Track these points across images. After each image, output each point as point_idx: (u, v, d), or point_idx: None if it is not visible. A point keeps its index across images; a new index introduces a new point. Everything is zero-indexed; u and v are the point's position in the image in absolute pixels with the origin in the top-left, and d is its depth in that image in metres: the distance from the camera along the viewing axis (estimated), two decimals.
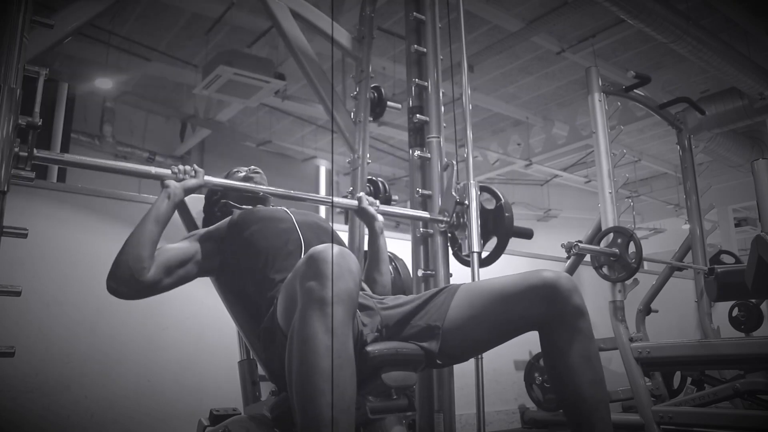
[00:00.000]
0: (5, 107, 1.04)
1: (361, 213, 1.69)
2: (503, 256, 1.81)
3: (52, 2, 2.76)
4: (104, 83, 5.76)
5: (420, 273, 1.92)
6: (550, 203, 9.42)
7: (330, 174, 8.34)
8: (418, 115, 2.01)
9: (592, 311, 1.29)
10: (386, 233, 1.76)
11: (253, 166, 1.76)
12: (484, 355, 1.53)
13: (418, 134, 2.05)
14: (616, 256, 2.46)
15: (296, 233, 1.48)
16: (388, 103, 2.22)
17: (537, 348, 1.33)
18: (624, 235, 2.48)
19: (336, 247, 1.07)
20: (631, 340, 2.49)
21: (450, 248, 1.94)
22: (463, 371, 1.76)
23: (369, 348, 1.19)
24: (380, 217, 1.72)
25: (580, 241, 2.55)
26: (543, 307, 1.25)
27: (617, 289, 2.52)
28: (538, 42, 4.96)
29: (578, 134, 6.47)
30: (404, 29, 2.16)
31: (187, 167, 1.45)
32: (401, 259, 2.03)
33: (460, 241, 1.91)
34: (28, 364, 1.97)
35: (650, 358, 2.40)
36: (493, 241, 1.83)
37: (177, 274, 1.40)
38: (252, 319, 1.45)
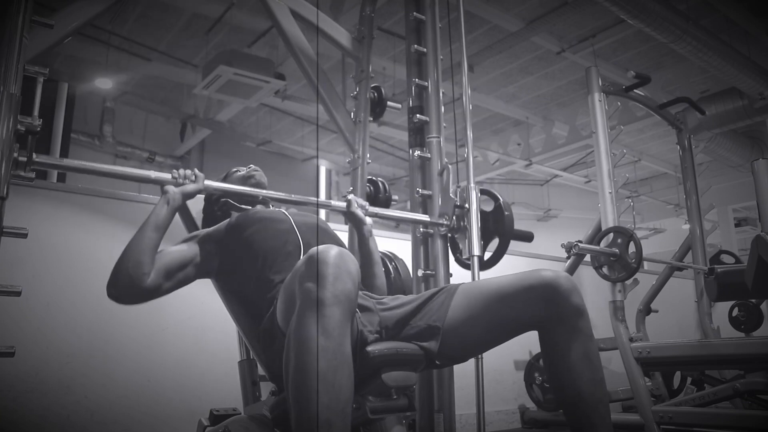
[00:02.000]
0: (4, 110, 1.04)
1: (350, 216, 1.66)
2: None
3: (52, 2, 2.76)
4: (104, 83, 5.76)
5: (420, 273, 1.92)
6: (550, 203, 9.42)
7: (328, 174, 8.35)
8: (418, 115, 2.01)
9: (592, 311, 1.29)
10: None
11: (252, 165, 1.76)
12: (484, 355, 1.52)
13: (418, 134, 2.05)
14: (616, 256, 2.46)
15: (295, 234, 1.48)
16: (388, 103, 2.22)
17: (537, 348, 1.33)
18: (624, 235, 2.48)
19: (335, 248, 1.06)
20: (631, 340, 2.49)
21: (451, 252, 1.94)
22: (463, 371, 1.75)
23: (369, 348, 1.18)
24: (369, 221, 1.67)
25: (580, 241, 2.55)
26: (542, 306, 1.25)
27: (617, 289, 2.52)
28: (538, 42, 4.96)
29: (578, 134, 6.47)
30: (404, 29, 2.16)
31: (188, 171, 1.44)
32: (401, 259, 2.03)
33: (460, 245, 1.90)
34: (28, 364, 1.97)
35: (650, 358, 2.40)
36: (494, 244, 1.82)
37: (176, 278, 1.40)
38: (252, 320, 1.45)
